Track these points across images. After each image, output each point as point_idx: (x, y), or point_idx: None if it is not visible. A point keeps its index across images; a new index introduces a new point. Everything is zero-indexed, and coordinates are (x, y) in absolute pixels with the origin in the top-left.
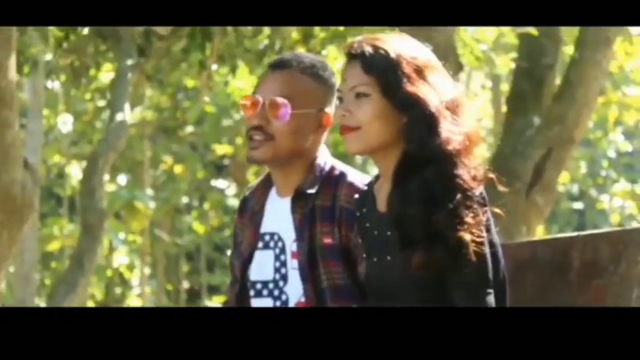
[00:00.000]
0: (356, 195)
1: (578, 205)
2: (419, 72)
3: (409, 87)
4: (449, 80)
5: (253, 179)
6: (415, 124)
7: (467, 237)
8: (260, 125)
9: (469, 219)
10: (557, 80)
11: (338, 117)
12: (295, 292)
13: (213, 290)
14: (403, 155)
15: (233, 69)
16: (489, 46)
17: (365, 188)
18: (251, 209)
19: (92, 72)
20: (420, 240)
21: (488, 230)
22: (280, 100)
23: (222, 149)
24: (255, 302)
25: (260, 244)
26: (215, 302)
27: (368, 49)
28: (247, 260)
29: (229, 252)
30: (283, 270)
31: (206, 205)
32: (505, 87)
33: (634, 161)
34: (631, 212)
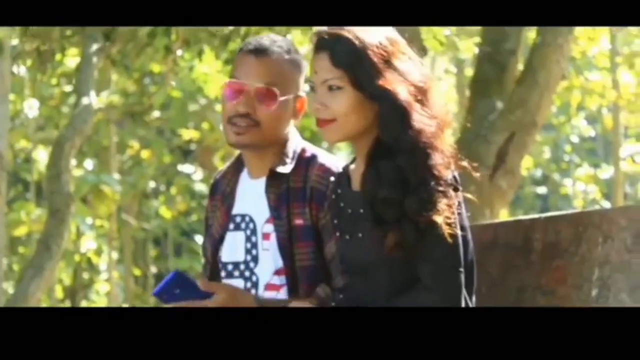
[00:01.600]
0: (331, 178)
1: (542, 189)
2: (386, 60)
3: (378, 80)
4: (416, 63)
5: (220, 164)
6: (388, 115)
7: (439, 220)
8: (247, 112)
9: (441, 203)
10: (520, 66)
11: (312, 109)
12: (265, 273)
13: None
14: (377, 140)
15: (199, 54)
16: (452, 31)
17: (337, 169)
18: (222, 191)
19: (58, 57)
20: (391, 221)
21: (459, 213)
22: (269, 88)
23: (188, 133)
24: (225, 283)
25: (231, 226)
26: None
27: (334, 42)
28: (219, 242)
29: (196, 237)
30: (254, 252)
31: (173, 190)
32: (469, 72)
33: (596, 146)
34: (594, 196)
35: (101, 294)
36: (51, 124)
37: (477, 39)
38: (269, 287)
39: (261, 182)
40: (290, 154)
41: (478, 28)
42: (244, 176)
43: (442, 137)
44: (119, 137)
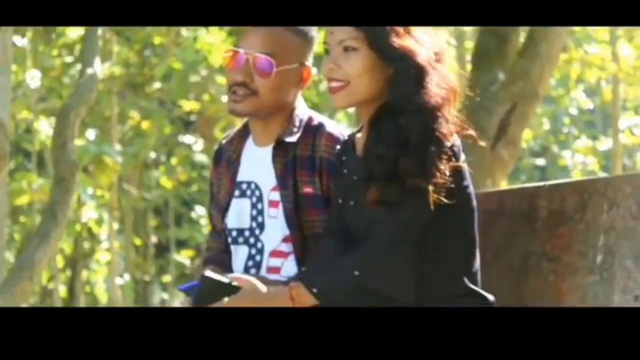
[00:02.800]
0: (337, 146)
1: (540, 161)
2: (405, 27)
3: (397, 40)
4: (432, 34)
5: (220, 135)
6: (403, 75)
7: (427, 185)
8: (244, 81)
9: (435, 168)
10: (521, 38)
11: (325, 70)
12: (271, 240)
13: (181, 244)
14: (384, 104)
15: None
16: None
17: (345, 138)
18: (227, 158)
19: (60, 28)
20: (380, 177)
21: (463, 182)
22: (265, 58)
23: (188, 104)
24: (232, 248)
25: (237, 192)
26: (184, 255)
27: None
28: (225, 209)
29: (196, 207)
30: (260, 219)
31: (173, 161)
32: (469, 44)
33: (594, 118)
34: (593, 168)
35: (102, 264)
36: (53, 94)
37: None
38: (275, 253)
39: (267, 150)
40: (297, 123)
41: None
42: (250, 143)
43: (451, 105)
44: (120, 108)
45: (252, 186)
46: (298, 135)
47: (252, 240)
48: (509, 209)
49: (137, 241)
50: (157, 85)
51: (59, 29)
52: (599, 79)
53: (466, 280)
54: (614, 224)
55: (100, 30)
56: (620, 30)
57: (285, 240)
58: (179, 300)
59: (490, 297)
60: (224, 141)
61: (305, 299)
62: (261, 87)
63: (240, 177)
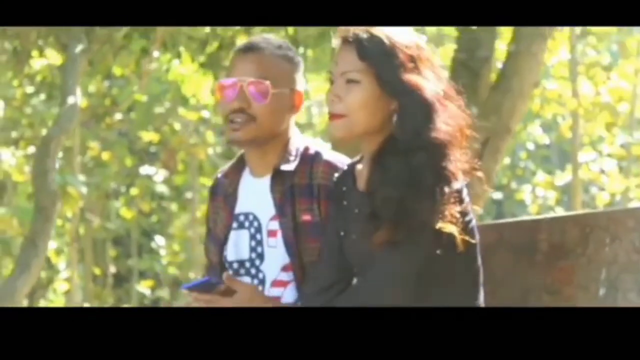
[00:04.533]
0: (335, 174)
1: (497, 195)
2: (413, 62)
3: (404, 75)
4: (439, 72)
5: (182, 166)
6: (409, 111)
7: (434, 225)
8: (242, 107)
9: (444, 209)
10: (493, 73)
11: (327, 101)
12: (272, 270)
13: (141, 275)
14: (389, 139)
15: (178, 56)
16: (430, 37)
17: (342, 165)
18: (224, 191)
19: (35, 55)
20: (386, 218)
21: (467, 214)
22: (260, 81)
23: (148, 135)
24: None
25: (235, 224)
26: (144, 285)
27: (364, 36)
28: (223, 242)
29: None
30: (259, 249)
31: (133, 191)
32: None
33: (550, 153)
34: (550, 203)
35: (59, 294)
36: (14, 125)
37: (454, 46)
38: (275, 283)
39: (264, 181)
40: (294, 152)
41: (454, 35)
42: (246, 175)
43: (461, 144)
44: (80, 138)
45: (250, 217)
46: (295, 163)
47: (253, 271)
48: (508, 242)
49: (97, 271)
50: (118, 116)
51: (35, 56)
52: (554, 114)
53: None
54: (617, 258)
55: (79, 60)
56: (581, 67)
57: (284, 269)
58: None
59: None
60: (219, 175)
61: None
62: (258, 112)
63: (238, 209)
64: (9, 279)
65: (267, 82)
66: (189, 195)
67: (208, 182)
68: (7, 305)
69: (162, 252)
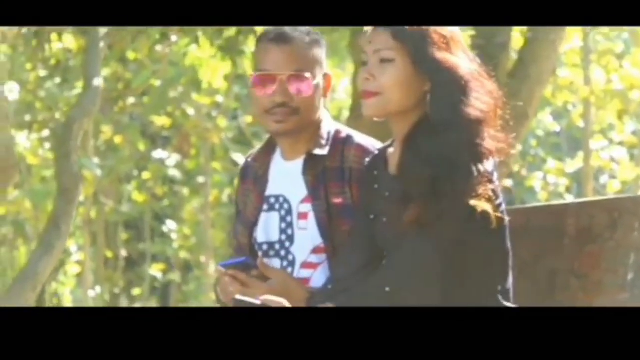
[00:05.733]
0: (367, 158)
1: (507, 182)
2: (446, 43)
3: (438, 53)
4: (470, 54)
5: (194, 151)
6: (445, 88)
7: (466, 204)
8: (284, 101)
9: (477, 188)
10: (511, 60)
11: (360, 80)
12: (301, 252)
13: (152, 258)
14: (421, 120)
15: (196, 40)
16: None
17: (374, 149)
18: (254, 174)
19: (54, 40)
20: (416, 197)
21: (498, 197)
22: (302, 75)
23: (160, 120)
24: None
25: (265, 207)
26: (155, 269)
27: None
28: (254, 224)
29: (168, 221)
30: (289, 231)
31: (145, 175)
32: None
33: (560, 141)
34: (560, 190)
35: (70, 276)
36: (27, 108)
37: (471, 32)
38: (305, 265)
39: (297, 164)
40: (325, 136)
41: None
42: (277, 158)
43: (495, 120)
44: (94, 122)
45: (281, 200)
46: (327, 148)
47: (282, 253)
48: (535, 226)
49: (109, 254)
50: (131, 100)
51: (54, 38)
52: (566, 102)
53: (500, 297)
54: None
55: (102, 44)
56: (594, 54)
57: (314, 251)
58: None
59: None
60: (249, 159)
61: None
62: (301, 105)
63: (269, 191)
64: (32, 259)
65: (309, 75)
66: (200, 179)
67: (219, 166)
68: (29, 285)
69: (174, 236)
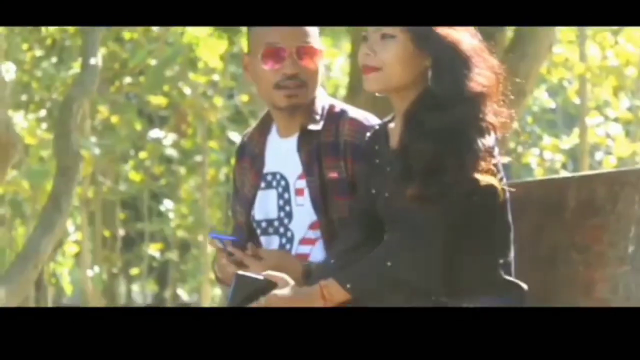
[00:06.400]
0: (365, 132)
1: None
2: None
3: (439, 29)
4: (471, 31)
5: (191, 130)
6: (446, 63)
7: (468, 178)
8: (295, 73)
9: (479, 163)
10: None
11: (361, 55)
12: (300, 228)
13: (149, 237)
14: (423, 94)
15: None
16: None
17: (368, 123)
18: (250, 153)
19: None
20: (420, 173)
21: (499, 171)
22: (312, 46)
23: (156, 99)
24: (262, 239)
25: (262, 184)
26: (153, 248)
27: None
28: (251, 202)
29: (165, 201)
30: (287, 208)
31: (142, 155)
32: None
33: (556, 117)
34: (556, 166)
35: (68, 256)
36: (23, 88)
37: None
38: (304, 241)
39: (291, 140)
40: (320, 111)
41: None
42: (273, 136)
43: (497, 95)
44: (90, 102)
45: (278, 177)
46: (322, 122)
47: (281, 229)
48: (536, 200)
49: (107, 233)
50: (127, 79)
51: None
52: (561, 79)
53: (500, 270)
54: None
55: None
56: (589, 30)
57: (312, 227)
58: (150, 292)
59: (524, 286)
60: (245, 138)
61: (337, 296)
62: (308, 76)
63: (266, 169)
64: (33, 237)
65: (317, 46)
66: (197, 158)
67: (216, 145)
68: (31, 263)
69: (171, 215)
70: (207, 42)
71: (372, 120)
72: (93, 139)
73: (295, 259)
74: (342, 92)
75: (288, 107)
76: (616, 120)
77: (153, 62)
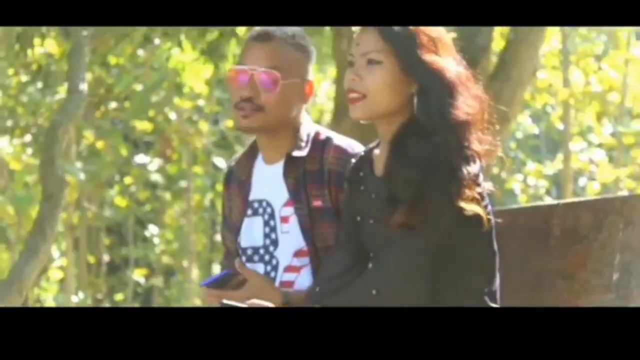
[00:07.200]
0: (349, 159)
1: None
2: (434, 45)
3: (426, 56)
4: (458, 57)
5: (176, 155)
6: (432, 91)
7: (453, 207)
8: (250, 96)
9: (465, 191)
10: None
11: (347, 80)
12: (285, 256)
13: (134, 263)
14: (408, 122)
15: (179, 44)
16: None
17: (352, 150)
18: (237, 179)
19: (37, 42)
20: (405, 201)
21: (484, 199)
22: (270, 72)
23: (142, 125)
24: (248, 267)
25: (249, 211)
26: (138, 274)
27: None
28: (239, 229)
29: (150, 226)
30: (273, 236)
31: (128, 180)
32: None
33: (540, 143)
34: (540, 192)
35: (52, 281)
36: (9, 113)
37: (452, 34)
38: (288, 269)
39: (277, 167)
40: (305, 138)
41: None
42: (259, 162)
43: (482, 123)
44: (76, 127)
45: (264, 204)
46: (307, 149)
47: (267, 257)
48: (521, 227)
49: (92, 259)
50: (113, 105)
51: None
52: (545, 104)
53: (486, 297)
54: (630, 243)
55: (86, 48)
56: (572, 56)
57: (296, 254)
58: None
59: None
60: (232, 163)
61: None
62: (267, 102)
63: (252, 196)
64: (17, 263)
65: (277, 73)
66: (182, 184)
67: (201, 171)
68: (15, 289)
69: (156, 240)
70: (192, 67)
71: (356, 148)
72: (78, 165)
73: (276, 288)
74: (327, 117)
75: (244, 129)
76: (600, 146)
77: (139, 87)
